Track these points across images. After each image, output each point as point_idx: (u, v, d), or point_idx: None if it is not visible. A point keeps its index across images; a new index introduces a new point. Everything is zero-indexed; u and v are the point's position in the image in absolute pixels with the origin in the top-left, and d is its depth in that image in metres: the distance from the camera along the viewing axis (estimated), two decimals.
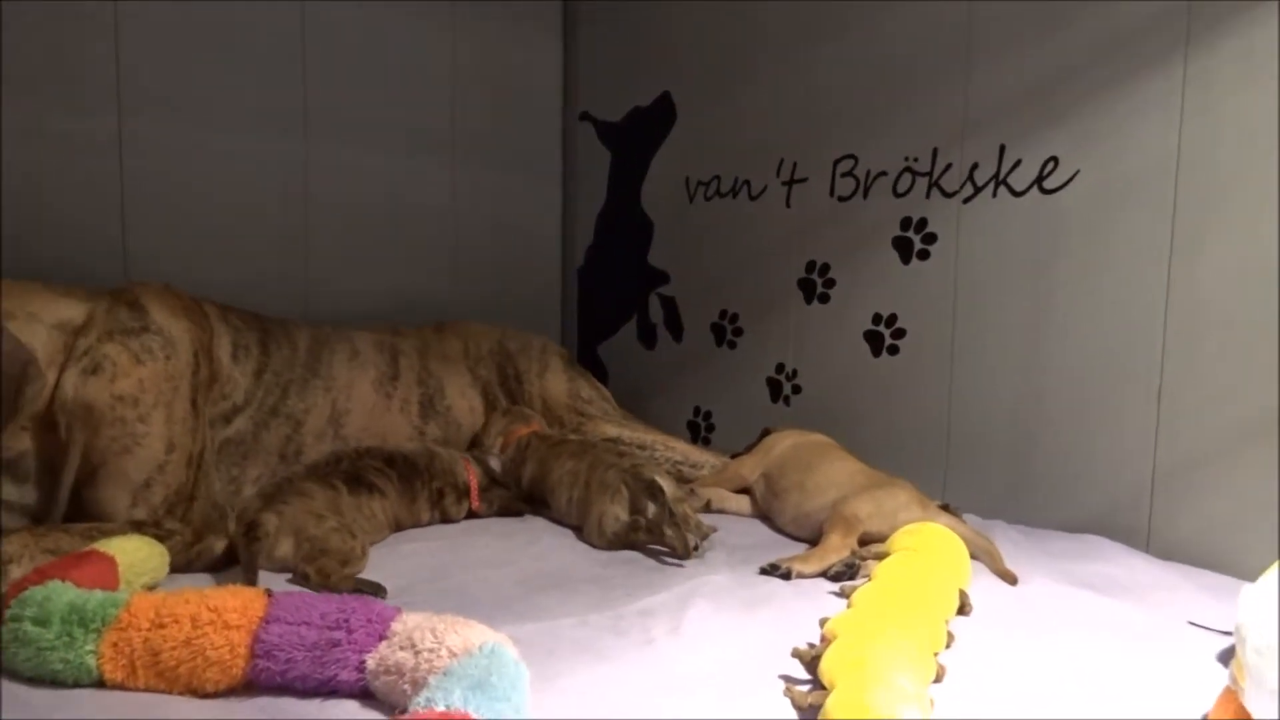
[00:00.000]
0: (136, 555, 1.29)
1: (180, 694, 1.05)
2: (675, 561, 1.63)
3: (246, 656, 1.03)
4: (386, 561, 1.59)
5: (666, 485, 1.68)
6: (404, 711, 0.92)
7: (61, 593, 1.08)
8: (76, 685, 1.06)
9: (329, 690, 1.04)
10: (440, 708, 0.86)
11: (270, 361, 1.88)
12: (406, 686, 0.96)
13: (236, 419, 1.78)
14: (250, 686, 1.05)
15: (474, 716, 0.83)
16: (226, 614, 1.04)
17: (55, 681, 1.06)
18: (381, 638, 1.03)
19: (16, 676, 1.08)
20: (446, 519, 1.86)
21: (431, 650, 0.98)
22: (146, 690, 1.05)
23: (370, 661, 1.02)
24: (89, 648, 1.04)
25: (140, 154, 2.09)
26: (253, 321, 1.91)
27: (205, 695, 1.05)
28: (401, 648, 1.00)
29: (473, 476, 1.90)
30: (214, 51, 2.20)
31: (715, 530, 1.75)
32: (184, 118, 2.15)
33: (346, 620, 1.05)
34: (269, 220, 2.33)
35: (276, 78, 2.32)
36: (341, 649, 1.02)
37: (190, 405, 1.63)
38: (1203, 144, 1.69)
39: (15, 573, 1.26)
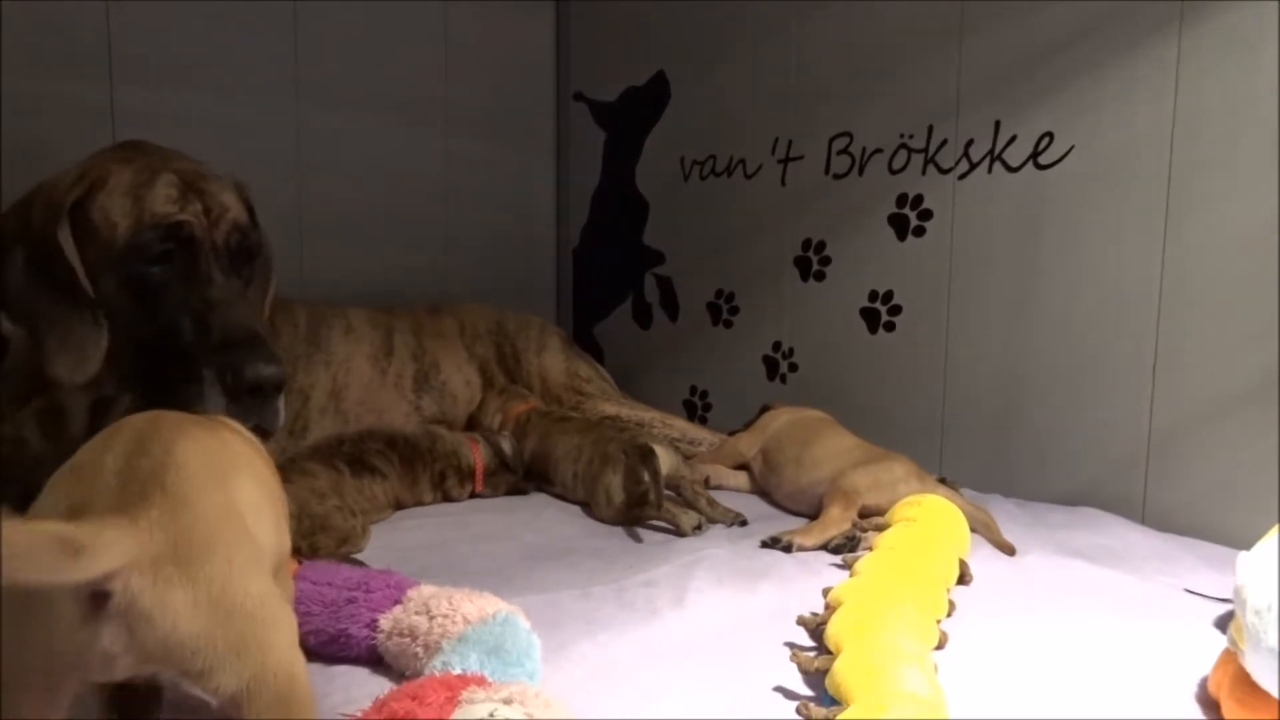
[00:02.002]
0: None
1: None
2: (674, 533, 1.64)
3: None
4: (388, 537, 1.59)
5: (664, 456, 1.69)
6: (415, 675, 0.93)
7: None
8: None
9: (340, 646, 1.05)
10: (457, 670, 0.87)
11: (280, 338, 1.87)
12: (419, 649, 0.97)
13: None
14: None
15: (491, 679, 0.84)
16: None
17: None
18: (397, 602, 1.04)
19: None
20: (448, 499, 1.87)
21: (446, 616, 0.99)
22: None
23: (384, 622, 1.03)
24: None
25: (132, 123, 2.06)
26: None
27: None
28: (417, 612, 1.02)
29: (479, 458, 1.89)
30: (206, 21, 2.18)
31: (742, 518, 1.72)
32: (175, 87, 2.14)
33: (366, 583, 1.08)
34: (263, 201, 2.31)
35: (269, 54, 2.30)
36: (356, 605, 1.04)
37: None
38: (1196, 117, 1.70)
39: None
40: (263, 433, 1.22)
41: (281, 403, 1.27)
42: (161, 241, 1.26)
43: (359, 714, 0.81)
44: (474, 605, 1.00)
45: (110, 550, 0.63)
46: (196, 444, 0.78)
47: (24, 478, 1.32)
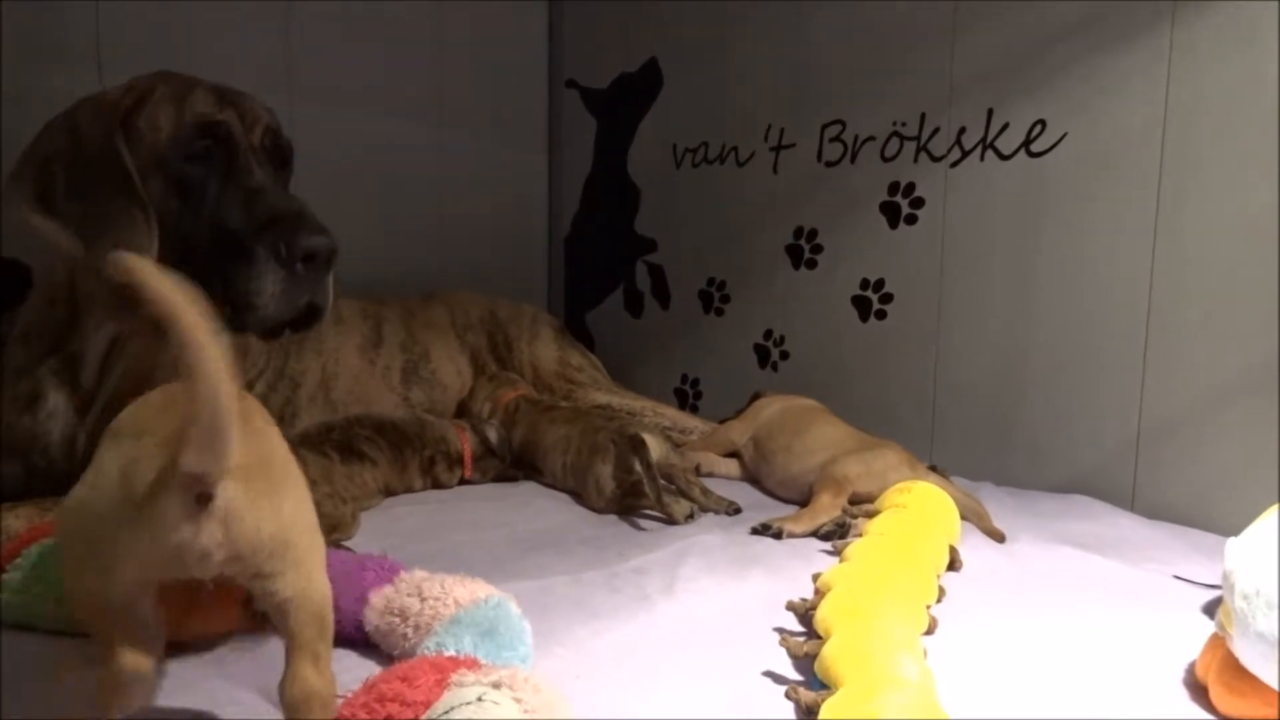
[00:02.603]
0: None
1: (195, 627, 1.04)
2: (666, 521, 1.64)
3: None
4: (379, 523, 1.59)
5: (654, 444, 1.69)
6: (404, 656, 0.93)
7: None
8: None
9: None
10: (450, 652, 0.87)
11: None
12: (409, 630, 0.97)
13: (257, 384, 1.77)
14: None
15: (484, 661, 0.84)
16: None
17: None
18: (388, 583, 1.05)
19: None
20: (438, 485, 1.86)
21: (438, 599, 0.99)
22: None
23: (376, 600, 1.03)
24: None
25: None
26: None
27: (216, 631, 1.06)
28: (408, 594, 1.02)
29: (467, 445, 1.89)
30: (196, 13, 2.16)
31: (736, 506, 1.72)
32: None
33: (362, 564, 1.09)
34: None
35: (260, 42, 2.29)
36: (351, 579, 1.05)
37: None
38: (1189, 107, 1.70)
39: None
40: (316, 312, 1.32)
41: (331, 281, 1.33)
42: (202, 139, 1.33)
43: (347, 694, 0.81)
44: (465, 589, 1.01)
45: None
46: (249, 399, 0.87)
47: (42, 435, 1.41)
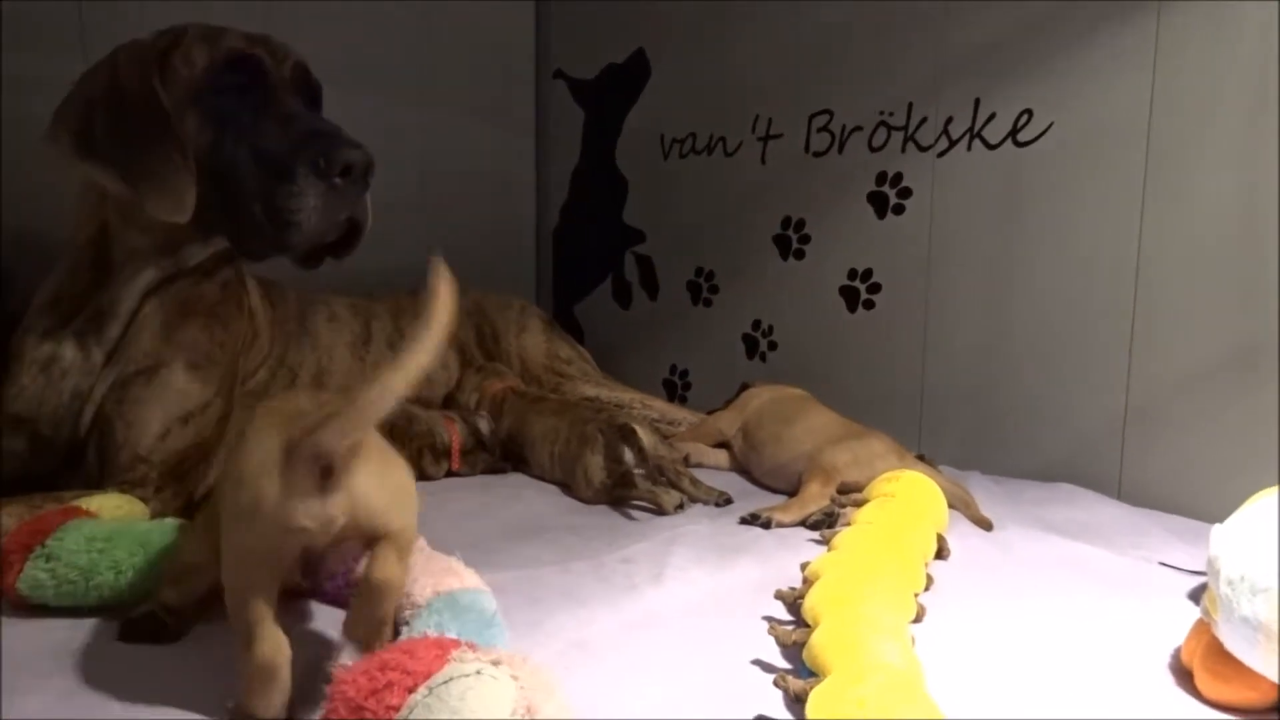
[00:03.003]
0: (118, 511, 1.28)
1: None
2: (655, 512, 1.64)
3: None
4: None
5: (644, 433, 1.69)
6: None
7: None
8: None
9: (317, 579, 1.11)
10: (434, 634, 0.88)
11: (276, 313, 1.89)
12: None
13: (261, 369, 1.77)
14: None
15: (464, 641, 0.85)
16: None
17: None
18: None
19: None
20: (425, 478, 1.86)
21: (415, 580, 1.01)
22: None
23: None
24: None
25: None
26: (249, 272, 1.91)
27: None
28: None
29: (455, 437, 1.89)
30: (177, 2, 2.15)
31: (727, 496, 1.71)
32: None
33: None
34: None
35: (243, 27, 2.27)
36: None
37: (235, 361, 1.63)
38: (1174, 94, 1.71)
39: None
40: (356, 229, 1.40)
41: (369, 200, 1.41)
42: (234, 72, 1.39)
43: (350, 665, 0.81)
44: (439, 577, 1.03)
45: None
46: None
47: (51, 397, 1.45)
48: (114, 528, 1.17)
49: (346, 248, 1.45)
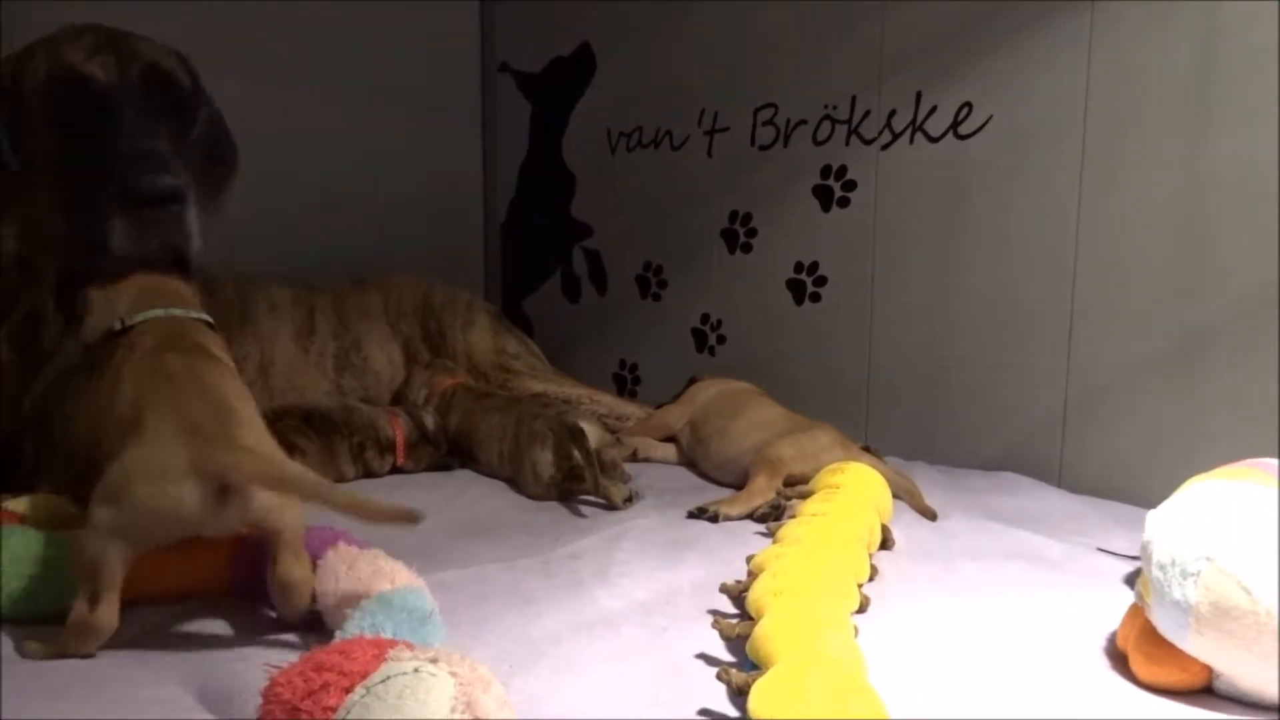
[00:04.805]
0: (46, 513, 1.24)
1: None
2: (605, 507, 1.63)
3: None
4: (309, 513, 1.55)
5: (591, 430, 1.69)
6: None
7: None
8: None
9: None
10: (368, 633, 0.87)
11: (215, 309, 1.85)
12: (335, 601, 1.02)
13: None
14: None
15: (400, 640, 0.84)
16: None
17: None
18: (331, 547, 1.09)
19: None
20: (369, 473, 1.84)
21: (359, 579, 1.02)
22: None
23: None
24: None
25: None
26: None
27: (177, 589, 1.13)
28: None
29: (399, 431, 1.87)
30: None
31: (632, 478, 1.75)
32: None
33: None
34: None
35: (186, 25, 2.22)
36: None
37: None
38: (1110, 87, 1.74)
39: None
40: (178, 257, 1.35)
41: (192, 221, 1.36)
42: (62, 90, 1.35)
43: (282, 666, 0.80)
44: (364, 581, 1.02)
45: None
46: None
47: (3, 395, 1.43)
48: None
49: (181, 269, 1.38)
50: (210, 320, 1.27)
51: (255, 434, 1.11)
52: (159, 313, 1.22)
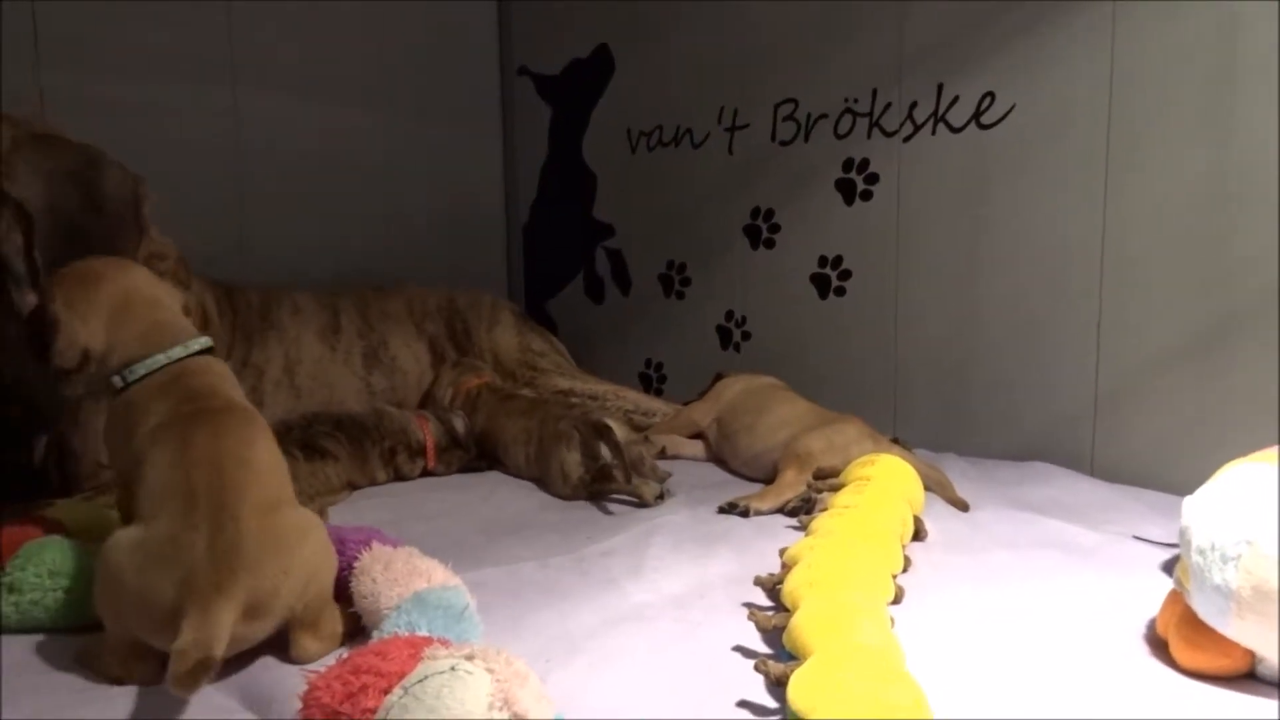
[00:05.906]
0: (85, 520, 1.26)
1: None
2: (635, 504, 1.64)
3: None
4: (344, 516, 1.57)
5: (617, 428, 1.69)
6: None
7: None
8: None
9: None
10: (404, 632, 0.87)
11: (238, 316, 1.88)
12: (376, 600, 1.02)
13: None
14: None
15: (436, 638, 0.85)
16: None
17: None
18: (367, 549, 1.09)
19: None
20: (401, 477, 1.85)
21: (394, 580, 1.02)
22: None
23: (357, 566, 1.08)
24: None
25: (62, 109, 2.00)
26: (207, 279, 1.89)
27: None
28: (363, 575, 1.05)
29: (429, 435, 1.88)
30: (135, 5, 2.12)
31: (670, 475, 1.76)
32: (106, 70, 2.07)
33: (340, 537, 1.12)
34: (204, 186, 2.26)
35: (203, 33, 2.24)
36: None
37: None
38: (1132, 74, 1.72)
39: None
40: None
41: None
42: None
43: (323, 670, 0.81)
44: (400, 582, 1.03)
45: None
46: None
47: None
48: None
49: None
50: (209, 344, 1.15)
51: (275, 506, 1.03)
52: (161, 359, 1.09)
